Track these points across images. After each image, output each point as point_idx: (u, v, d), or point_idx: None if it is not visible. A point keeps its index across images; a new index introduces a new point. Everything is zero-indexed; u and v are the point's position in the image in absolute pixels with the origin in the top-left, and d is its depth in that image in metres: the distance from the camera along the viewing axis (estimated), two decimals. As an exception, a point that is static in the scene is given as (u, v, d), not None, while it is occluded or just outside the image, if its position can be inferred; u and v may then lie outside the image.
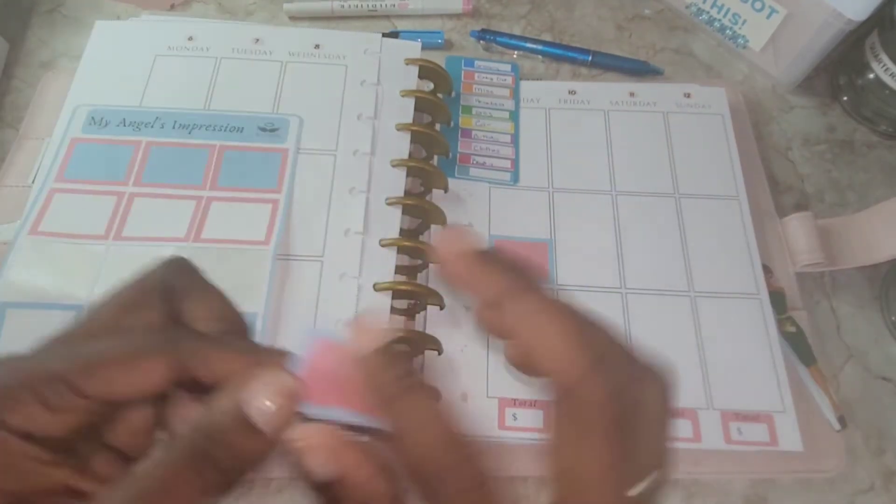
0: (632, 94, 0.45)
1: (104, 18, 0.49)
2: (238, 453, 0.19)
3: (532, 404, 0.35)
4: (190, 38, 0.42)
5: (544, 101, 0.45)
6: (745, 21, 0.47)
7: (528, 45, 0.49)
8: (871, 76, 0.45)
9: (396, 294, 0.36)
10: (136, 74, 0.41)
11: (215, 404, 0.19)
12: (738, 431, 0.35)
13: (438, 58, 0.44)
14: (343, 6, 0.50)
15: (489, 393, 0.35)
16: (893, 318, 0.40)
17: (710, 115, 0.44)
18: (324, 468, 0.19)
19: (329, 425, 0.20)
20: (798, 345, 0.38)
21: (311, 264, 0.36)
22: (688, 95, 0.45)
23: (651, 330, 0.37)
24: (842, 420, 0.37)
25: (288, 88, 0.41)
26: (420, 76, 0.42)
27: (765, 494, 0.36)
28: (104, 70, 0.41)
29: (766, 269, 0.40)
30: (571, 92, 0.46)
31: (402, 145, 0.39)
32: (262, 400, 0.19)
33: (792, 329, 0.39)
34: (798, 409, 0.36)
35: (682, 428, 0.35)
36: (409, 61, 0.42)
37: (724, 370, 0.36)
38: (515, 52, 0.50)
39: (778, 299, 0.39)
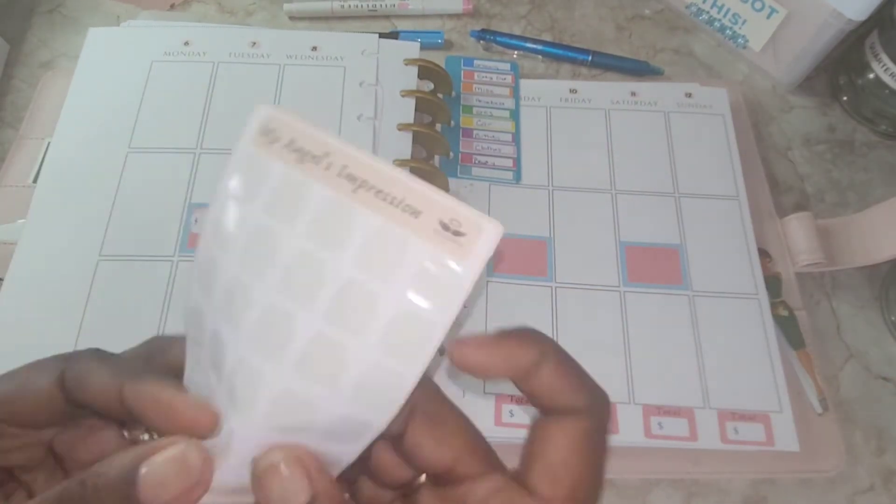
0: (633, 94, 0.45)
1: (104, 18, 0.50)
2: None
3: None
4: (186, 43, 0.42)
5: (545, 99, 0.45)
6: (745, 21, 0.47)
7: (528, 45, 0.49)
8: (871, 76, 0.45)
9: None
10: (133, 81, 0.41)
11: (110, 462, 0.17)
12: (735, 431, 0.35)
13: (438, 58, 0.44)
14: (343, 6, 0.50)
15: (486, 389, 0.36)
16: (893, 318, 0.40)
17: (711, 115, 0.44)
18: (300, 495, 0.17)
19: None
20: (788, 328, 0.39)
21: None
22: (689, 95, 0.45)
23: (649, 328, 0.37)
24: (824, 403, 0.37)
25: (287, 91, 0.41)
26: (420, 76, 0.42)
27: (765, 494, 0.36)
28: (101, 78, 0.41)
29: (764, 254, 0.40)
30: (572, 91, 0.46)
31: (403, 145, 0.39)
32: (161, 475, 0.16)
33: (784, 313, 0.39)
34: (798, 409, 0.36)
35: (678, 427, 0.35)
36: (409, 61, 0.42)
37: (721, 370, 0.36)
38: (515, 52, 0.50)
39: (773, 283, 0.40)
